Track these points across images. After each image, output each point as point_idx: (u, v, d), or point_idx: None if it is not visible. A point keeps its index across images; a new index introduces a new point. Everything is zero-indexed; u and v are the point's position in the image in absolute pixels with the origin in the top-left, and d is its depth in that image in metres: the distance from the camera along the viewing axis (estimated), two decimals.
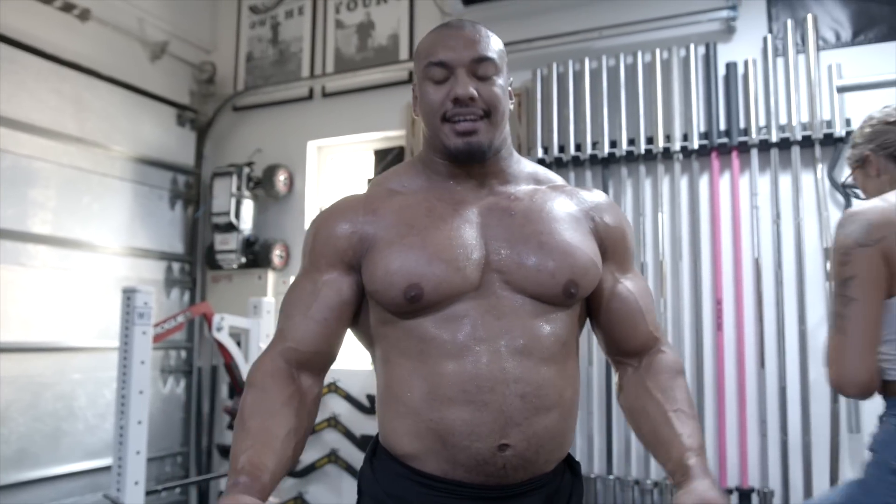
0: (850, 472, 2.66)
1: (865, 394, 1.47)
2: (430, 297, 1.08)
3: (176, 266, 4.04)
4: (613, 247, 1.22)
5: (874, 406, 1.61)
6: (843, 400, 2.67)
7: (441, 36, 1.17)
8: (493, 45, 1.17)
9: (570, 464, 1.21)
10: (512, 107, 1.22)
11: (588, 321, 1.28)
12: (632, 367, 1.24)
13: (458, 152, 1.14)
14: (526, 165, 1.27)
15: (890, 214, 1.46)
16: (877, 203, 1.52)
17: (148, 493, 2.72)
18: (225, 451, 3.91)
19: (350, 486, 3.62)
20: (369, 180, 3.74)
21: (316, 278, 1.16)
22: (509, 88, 1.20)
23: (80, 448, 3.37)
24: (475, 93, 1.12)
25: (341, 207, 1.21)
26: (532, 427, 1.06)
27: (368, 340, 1.22)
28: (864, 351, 1.44)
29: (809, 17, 2.94)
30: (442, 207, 1.16)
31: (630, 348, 1.23)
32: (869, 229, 1.46)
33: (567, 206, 1.21)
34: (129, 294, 2.71)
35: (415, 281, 1.07)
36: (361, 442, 3.61)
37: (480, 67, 1.13)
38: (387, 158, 3.84)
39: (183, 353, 4.04)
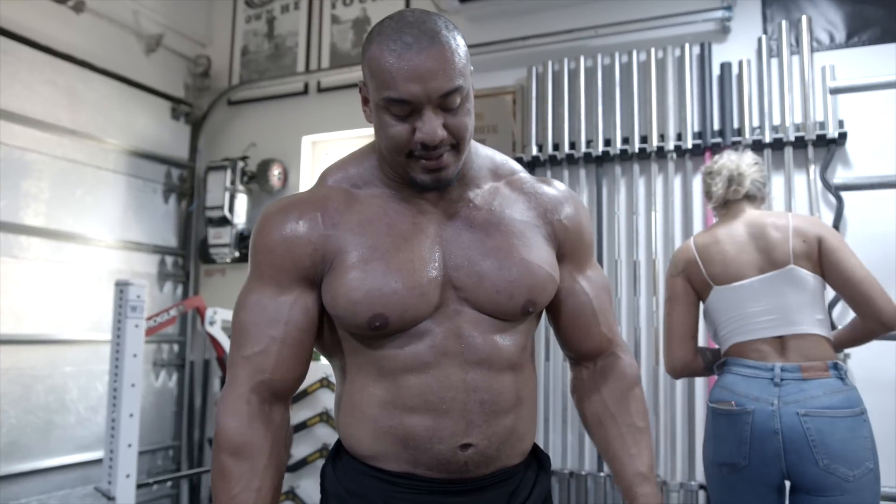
0: None
1: (679, 375, 2.14)
2: (396, 324, 1.05)
3: (169, 260, 4.03)
4: (571, 247, 1.20)
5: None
6: None
7: (401, 59, 0.99)
8: (459, 62, 1.02)
9: (538, 457, 1.22)
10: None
11: (545, 318, 1.28)
12: (587, 370, 1.26)
13: (424, 186, 1.08)
14: (484, 158, 1.20)
15: (691, 252, 2.10)
16: (688, 242, 2.16)
17: (139, 486, 2.72)
18: None
19: None
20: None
21: (278, 296, 1.09)
22: (471, 90, 1.09)
23: (71, 441, 3.36)
24: (444, 134, 1.02)
25: (297, 212, 1.11)
26: (492, 427, 1.07)
27: (328, 351, 1.18)
28: (673, 348, 2.09)
29: (804, 18, 2.95)
30: (402, 223, 1.10)
31: (584, 351, 1.24)
32: (677, 263, 2.14)
33: (525, 213, 1.17)
34: (121, 287, 2.70)
35: (379, 311, 1.04)
36: None
37: (448, 100, 1.01)
38: None
39: (175, 347, 4.04)
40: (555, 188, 1.22)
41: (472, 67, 1.08)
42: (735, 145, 2.96)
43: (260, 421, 1.06)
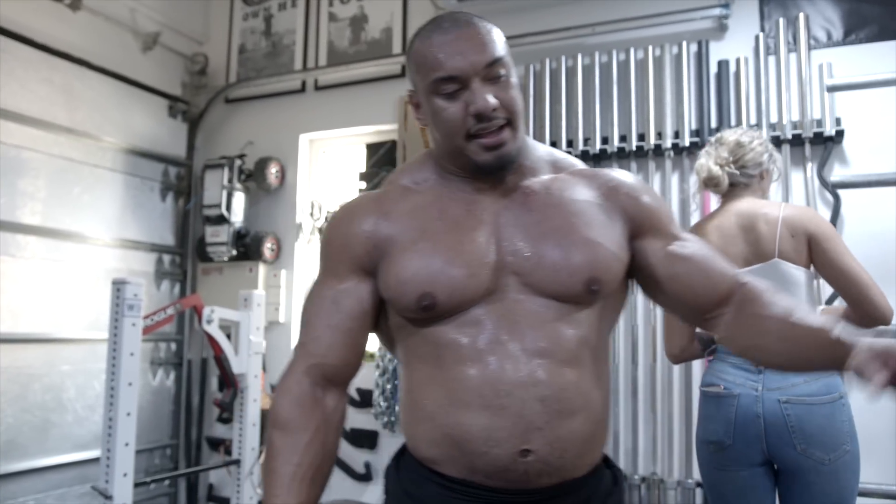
0: None
1: (677, 361, 2.23)
2: (444, 305, 1.05)
3: (167, 258, 4.03)
4: (650, 219, 1.15)
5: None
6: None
7: (442, 42, 1.06)
8: (497, 38, 1.09)
9: (612, 470, 1.15)
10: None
11: (652, 300, 1.21)
12: (728, 314, 1.15)
13: (488, 167, 1.09)
14: (542, 151, 1.20)
15: None
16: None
17: (136, 484, 2.71)
18: (214, 444, 3.91)
19: (339, 480, 3.62)
20: (361, 173, 3.75)
21: (335, 286, 1.14)
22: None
23: (68, 440, 3.36)
24: (497, 102, 1.05)
25: (355, 209, 1.17)
26: (555, 431, 1.01)
27: (390, 342, 1.20)
28: (671, 334, 2.14)
29: (801, 16, 2.95)
30: (455, 208, 1.11)
31: (717, 299, 1.14)
32: None
33: (587, 194, 1.14)
34: (118, 286, 2.69)
35: (427, 290, 1.05)
36: (351, 436, 3.61)
37: (493, 70, 1.05)
38: (379, 152, 3.84)
39: (173, 346, 4.03)
40: (621, 173, 1.20)
41: (512, 62, 1.12)
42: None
43: (308, 401, 1.11)
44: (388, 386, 3.45)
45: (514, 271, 1.07)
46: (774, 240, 1.99)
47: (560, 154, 1.23)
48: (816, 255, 1.97)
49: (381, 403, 3.46)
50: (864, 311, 1.91)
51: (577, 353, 1.05)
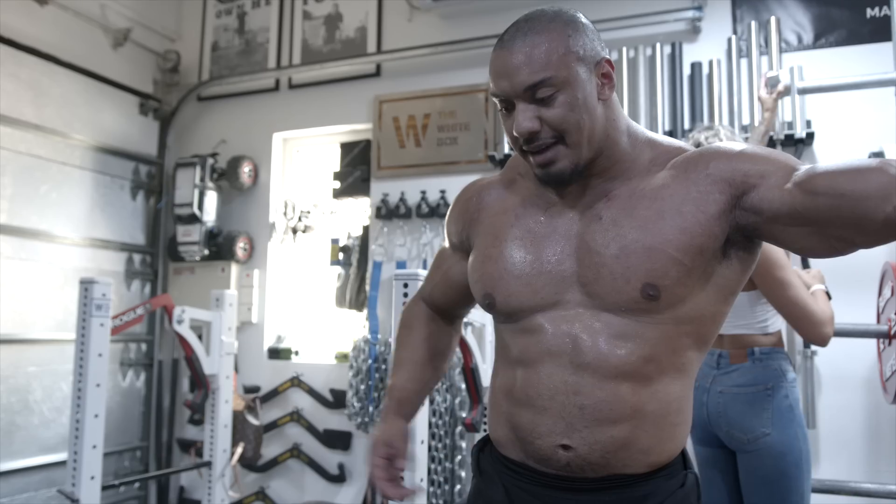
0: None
1: None
2: (502, 308, 1.14)
3: (137, 257, 3.98)
4: (753, 176, 1.02)
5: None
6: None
7: (496, 59, 1.08)
8: (550, 54, 1.02)
9: (687, 471, 1.13)
10: (608, 92, 1.07)
11: (810, 250, 1.05)
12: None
13: (542, 181, 1.10)
14: (644, 149, 1.12)
15: None
16: None
17: (105, 487, 2.67)
18: (185, 446, 3.86)
19: (312, 481, 3.60)
20: (335, 173, 3.71)
21: (445, 249, 1.36)
22: (599, 76, 1.06)
23: (35, 442, 3.30)
24: (536, 126, 1.03)
25: (465, 195, 1.29)
26: (594, 435, 1.04)
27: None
28: None
29: (773, 19, 2.99)
30: (532, 216, 1.15)
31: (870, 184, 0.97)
32: None
33: (670, 188, 1.06)
34: (86, 285, 2.65)
35: (488, 291, 1.15)
36: (324, 436, 3.59)
37: (538, 92, 1.02)
38: (353, 152, 3.82)
39: (143, 346, 3.98)
40: (714, 145, 1.09)
41: (590, 56, 1.05)
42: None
43: (425, 314, 1.41)
44: (362, 386, 3.44)
45: (578, 282, 1.08)
46: None
47: (666, 146, 1.13)
48: (758, 283, 1.97)
49: (355, 404, 3.44)
50: (803, 336, 2.04)
51: (632, 369, 1.04)
